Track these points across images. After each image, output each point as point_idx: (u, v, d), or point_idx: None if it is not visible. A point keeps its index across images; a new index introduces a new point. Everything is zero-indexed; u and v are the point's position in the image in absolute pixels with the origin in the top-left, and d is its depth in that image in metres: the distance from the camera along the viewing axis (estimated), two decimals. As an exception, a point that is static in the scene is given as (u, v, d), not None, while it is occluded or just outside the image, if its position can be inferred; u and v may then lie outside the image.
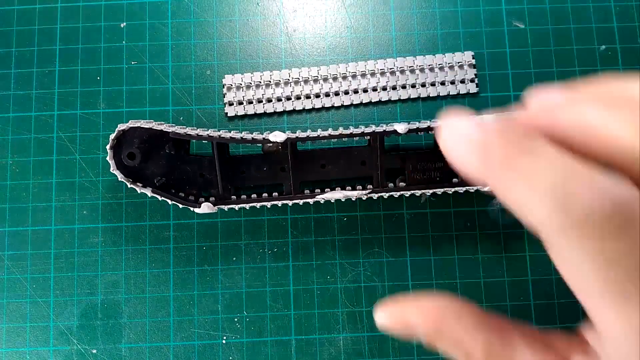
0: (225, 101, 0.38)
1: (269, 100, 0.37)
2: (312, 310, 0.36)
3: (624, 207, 0.12)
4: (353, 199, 0.35)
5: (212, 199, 0.33)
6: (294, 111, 0.38)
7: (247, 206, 0.33)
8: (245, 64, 0.38)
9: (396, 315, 0.16)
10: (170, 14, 0.39)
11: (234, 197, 0.33)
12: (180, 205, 0.32)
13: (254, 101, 0.37)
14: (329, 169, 0.34)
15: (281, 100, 0.37)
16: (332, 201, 0.36)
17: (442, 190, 0.33)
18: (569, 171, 0.12)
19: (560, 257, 0.13)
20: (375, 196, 0.33)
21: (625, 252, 0.12)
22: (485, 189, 0.34)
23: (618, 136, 0.12)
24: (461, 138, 0.13)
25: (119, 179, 0.32)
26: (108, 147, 0.31)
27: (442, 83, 0.38)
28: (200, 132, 0.31)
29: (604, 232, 0.12)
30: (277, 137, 0.31)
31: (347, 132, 0.32)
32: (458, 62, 0.38)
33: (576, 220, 0.12)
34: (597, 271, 0.12)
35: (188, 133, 0.31)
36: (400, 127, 0.31)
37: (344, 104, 0.38)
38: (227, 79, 0.38)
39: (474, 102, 0.38)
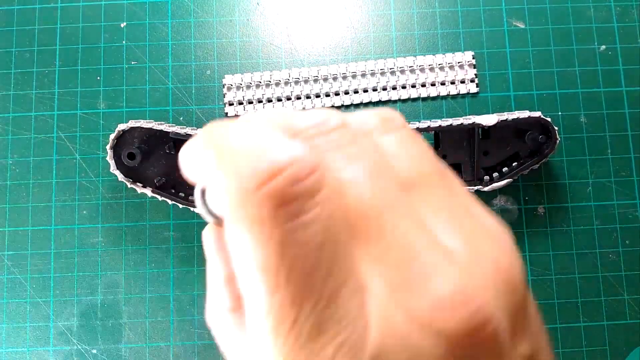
0: (225, 101, 0.38)
1: (269, 100, 0.37)
2: (312, 310, 0.36)
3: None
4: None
5: (212, 199, 0.33)
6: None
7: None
8: (245, 64, 0.38)
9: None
10: (170, 14, 0.39)
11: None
12: (180, 205, 0.32)
13: (254, 101, 0.38)
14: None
15: (281, 100, 0.37)
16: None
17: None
18: (258, 132, 0.12)
19: (232, 244, 0.12)
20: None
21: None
22: None
23: None
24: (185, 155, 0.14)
25: (119, 179, 0.32)
26: (108, 147, 0.31)
27: (442, 83, 0.38)
28: (200, 132, 0.31)
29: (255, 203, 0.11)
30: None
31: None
32: (458, 62, 0.38)
33: (243, 187, 0.11)
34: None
35: (188, 133, 0.31)
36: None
37: (344, 103, 0.38)
38: (227, 79, 0.38)
39: (474, 102, 0.38)
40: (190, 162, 0.14)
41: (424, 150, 0.15)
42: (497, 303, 0.13)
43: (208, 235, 0.16)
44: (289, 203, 0.11)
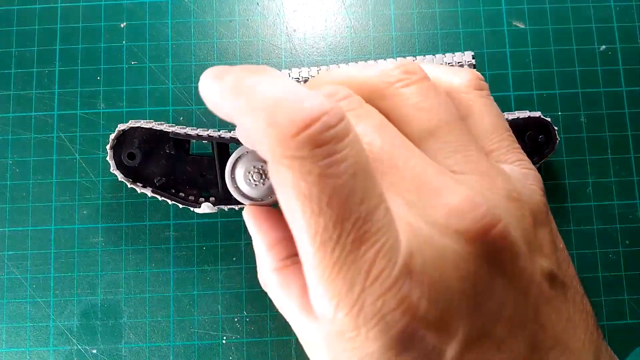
0: (225, 101, 0.37)
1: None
2: (312, 310, 0.36)
3: (328, 120, 0.13)
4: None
5: (212, 199, 0.33)
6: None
7: (247, 206, 0.33)
8: (245, 64, 0.38)
9: None
10: (170, 14, 0.39)
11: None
12: (180, 205, 0.32)
13: (254, 101, 0.37)
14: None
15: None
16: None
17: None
18: (285, 87, 0.14)
19: (278, 181, 0.14)
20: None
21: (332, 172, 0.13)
22: None
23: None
24: (206, 79, 0.15)
25: (119, 179, 0.32)
26: (108, 147, 0.31)
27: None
28: (200, 132, 0.31)
29: (311, 150, 0.13)
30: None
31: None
32: (458, 62, 0.38)
33: (283, 133, 0.13)
34: (305, 193, 0.13)
35: (188, 133, 0.31)
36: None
37: (344, 104, 0.38)
38: (227, 79, 0.38)
39: (474, 102, 0.38)
40: (217, 103, 0.15)
41: (443, 100, 0.17)
42: (507, 217, 0.15)
43: (249, 213, 0.19)
44: (323, 145, 0.13)
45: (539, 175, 0.18)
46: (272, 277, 0.18)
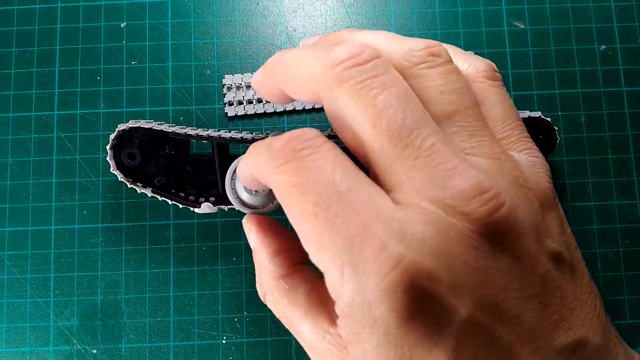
0: (225, 101, 0.38)
1: (269, 100, 0.37)
2: (312, 310, 0.36)
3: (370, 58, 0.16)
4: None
5: (212, 199, 0.33)
6: (294, 111, 0.38)
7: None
8: (245, 64, 0.38)
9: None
10: (170, 14, 0.39)
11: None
12: (180, 205, 0.32)
13: (254, 101, 0.37)
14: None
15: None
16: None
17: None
18: (322, 42, 0.17)
19: (344, 117, 0.16)
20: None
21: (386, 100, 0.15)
22: None
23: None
24: (255, 75, 0.19)
25: (119, 179, 0.32)
26: (108, 147, 0.31)
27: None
28: (200, 132, 0.31)
29: (366, 78, 0.15)
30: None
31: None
32: (458, 62, 0.38)
33: (337, 67, 0.16)
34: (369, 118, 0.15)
35: (188, 133, 0.31)
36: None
37: (344, 104, 0.38)
38: (227, 79, 0.38)
39: (474, 102, 0.38)
40: (276, 66, 0.18)
41: (464, 84, 0.17)
42: (513, 200, 0.15)
43: (251, 222, 0.20)
44: (366, 74, 0.15)
45: (546, 164, 0.18)
46: (278, 284, 0.18)
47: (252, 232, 0.20)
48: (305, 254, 0.16)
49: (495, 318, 0.14)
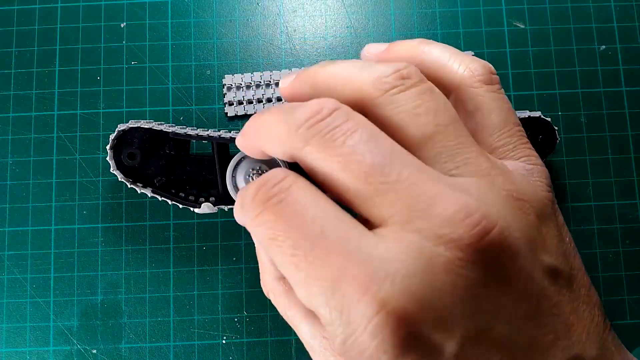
0: (225, 101, 0.38)
1: (269, 100, 0.37)
2: (312, 310, 0.36)
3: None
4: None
5: (212, 199, 0.33)
6: (294, 111, 0.38)
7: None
8: (245, 64, 0.38)
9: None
10: (170, 14, 0.39)
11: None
12: (180, 205, 0.32)
13: (254, 101, 0.37)
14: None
15: (281, 100, 0.37)
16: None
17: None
18: (285, 106, 0.17)
19: (318, 171, 0.16)
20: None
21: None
22: None
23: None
24: (238, 139, 0.19)
25: (119, 179, 0.32)
26: (108, 147, 0.31)
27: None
28: (200, 132, 0.31)
29: None
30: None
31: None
32: (458, 62, 0.38)
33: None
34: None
35: (188, 133, 0.31)
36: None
37: (344, 104, 0.38)
38: (227, 79, 0.38)
39: (474, 102, 0.38)
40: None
41: (441, 102, 0.16)
42: (505, 218, 0.15)
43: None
44: (327, 127, 0.15)
45: (545, 170, 0.18)
46: (277, 285, 0.18)
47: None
48: None
49: (487, 345, 0.14)
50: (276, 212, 0.15)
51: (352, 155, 0.15)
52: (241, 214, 0.17)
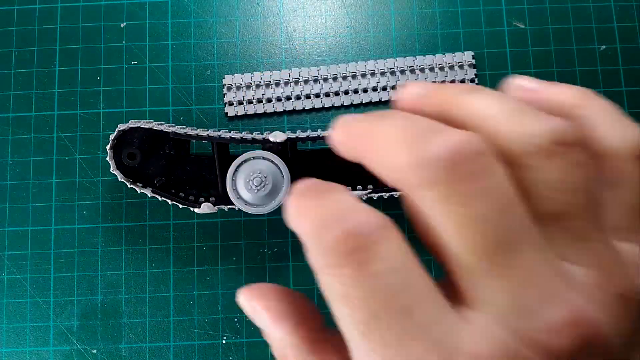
0: (225, 101, 0.38)
1: (269, 100, 0.37)
2: (312, 310, 0.36)
3: (472, 154, 0.13)
4: (353, 199, 0.35)
5: (212, 199, 0.33)
6: (294, 111, 0.38)
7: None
8: (245, 64, 0.38)
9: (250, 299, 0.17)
10: (170, 14, 0.39)
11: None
12: (180, 205, 0.32)
13: (254, 101, 0.38)
14: (329, 169, 0.34)
15: (281, 100, 0.37)
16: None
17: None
18: (419, 123, 0.14)
19: (427, 217, 0.14)
20: (375, 196, 0.33)
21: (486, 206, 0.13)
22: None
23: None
24: (337, 130, 0.16)
25: (119, 179, 0.32)
26: (108, 147, 0.31)
27: (442, 83, 0.38)
28: (200, 132, 0.31)
29: (458, 184, 0.13)
30: (277, 137, 0.31)
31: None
32: (458, 62, 0.38)
33: (428, 166, 0.13)
34: (459, 229, 0.13)
35: (188, 133, 0.31)
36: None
37: (344, 104, 0.38)
38: (227, 79, 0.38)
39: (474, 102, 0.38)
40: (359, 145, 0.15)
41: (587, 179, 0.14)
42: (610, 323, 0.13)
43: (251, 296, 0.17)
44: (463, 178, 0.13)
45: None
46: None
47: (261, 309, 0.17)
48: (323, 317, 0.14)
49: None
50: (358, 270, 0.13)
51: (480, 223, 0.13)
52: (314, 256, 0.14)
